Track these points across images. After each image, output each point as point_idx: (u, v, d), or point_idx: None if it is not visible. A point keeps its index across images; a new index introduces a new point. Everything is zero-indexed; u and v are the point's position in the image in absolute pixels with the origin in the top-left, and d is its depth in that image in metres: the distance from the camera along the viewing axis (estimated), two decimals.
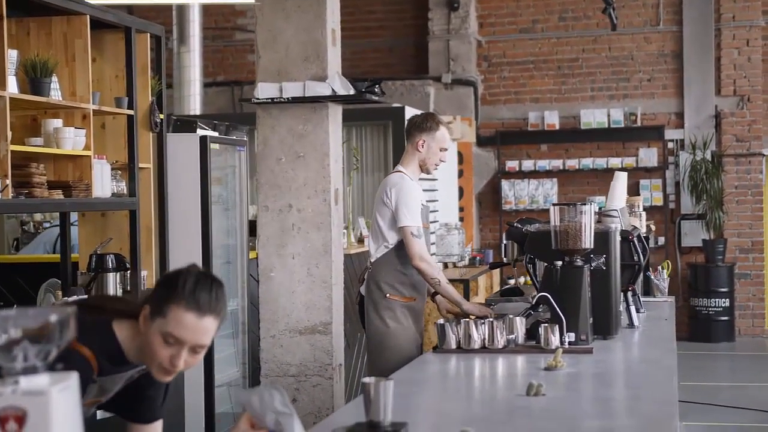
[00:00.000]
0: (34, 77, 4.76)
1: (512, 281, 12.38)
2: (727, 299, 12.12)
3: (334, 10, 5.85)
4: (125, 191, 5.51)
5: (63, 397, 1.75)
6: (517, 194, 12.81)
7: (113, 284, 5.38)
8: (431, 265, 5.08)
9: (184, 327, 2.51)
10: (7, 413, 1.71)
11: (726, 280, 12.15)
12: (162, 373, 2.59)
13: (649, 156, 12.51)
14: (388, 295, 5.14)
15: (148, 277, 5.79)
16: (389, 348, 5.12)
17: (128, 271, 5.52)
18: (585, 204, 4.39)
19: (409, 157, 5.28)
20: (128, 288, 5.54)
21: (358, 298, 5.46)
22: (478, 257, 10.98)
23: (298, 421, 2.53)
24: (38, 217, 8.84)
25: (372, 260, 5.26)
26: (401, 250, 5.13)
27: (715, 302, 12.10)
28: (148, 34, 5.82)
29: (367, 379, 2.73)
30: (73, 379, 1.79)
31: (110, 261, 5.38)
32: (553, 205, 4.44)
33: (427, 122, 5.26)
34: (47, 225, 8.76)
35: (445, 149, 5.29)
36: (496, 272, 11.22)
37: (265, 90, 5.67)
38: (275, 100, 5.63)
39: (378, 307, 5.16)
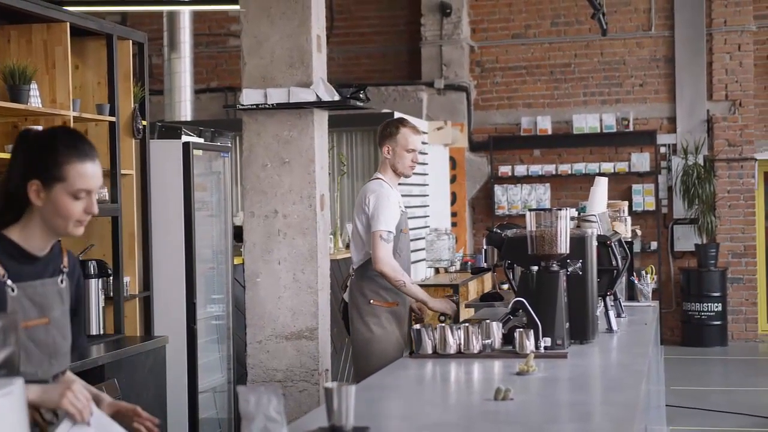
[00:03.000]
0: (12, 84, 4.78)
1: (506, 286, 12.39)
2: (720, 304, 12.13)
3: (319, 16, 5.87)
4: (107, 198, 5.53)
5: (5, 402, 1.77)
6: (510, 199, 12.83)
7: (95, 290, 5.39)
8: (394, 268, 5.15)
9: (88, 177, 2.67)
10: None
11: (718, 284, 12.16)
12: (78, 226, 2.70)
13: (641, 161, 12.52)
14: (372, 301, 5.21)
15: (131, 283, 5.81)
16: (374, 353, 5.16)
17: (110, 278, 5.53)
18: (561, 209, 4.40)
19: (383, 164, 5.40)
20: (111, 294, 5.56)
21: (341, 305, 5.48)
22: (470, 262, 10.99)
23: (285, 431, 2.55)
24: None
25: (354, 267, 5.33)
26: None
27: (708, 307, 12.11)
28: (131, 41, 5.84)
29: (328, 384, 2.75)
30: (17, 385, 1.81)
31: (92, 267, 5.39)
32: (530, 210, 4.46)
33: (387, 128, 5.39)
34: None
35: (413, 150, 5.36)
36: (488, 277, 11.24)
37: (250, 96, 5.69)
38: (260, 106, 5.65)
39: (362, 314, 5.21)
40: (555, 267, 4.38)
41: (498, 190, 12.83)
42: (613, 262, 4.98)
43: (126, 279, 5.70)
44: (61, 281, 2.78)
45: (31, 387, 2.50)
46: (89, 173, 2.67)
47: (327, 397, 2.75)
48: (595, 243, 4.66)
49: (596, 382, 3.90)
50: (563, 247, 4.36)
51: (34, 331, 2.64)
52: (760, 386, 10.10)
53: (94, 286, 5.40)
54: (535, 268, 4.37)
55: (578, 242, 4.51)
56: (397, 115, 9.94)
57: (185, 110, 10.52)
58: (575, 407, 3.30)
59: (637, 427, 2.94)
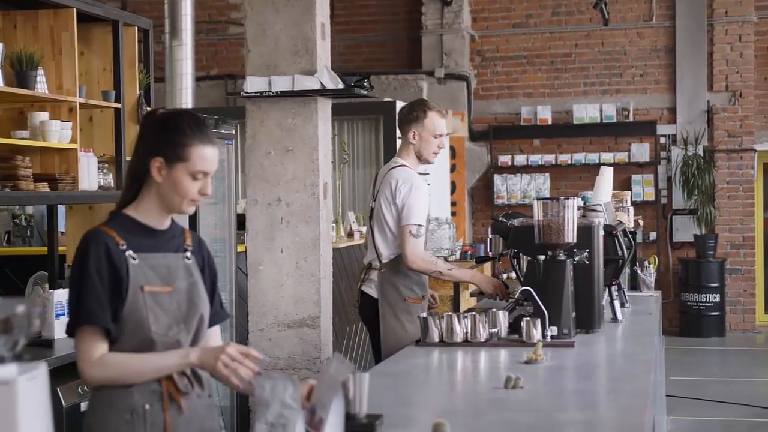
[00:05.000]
0: (20, 70, 4.77)
1: (504, 275, 12.40)
2: (718, 294, 12.16)
3: (324, 4, 5.86)
4: (112, 184, 5.53)
5: (31, 386, 1.76)
6: (509, 189, 12.84)
7: None
8: (426, 261, 4.94)
9: (208, 160, 2.82)
10: None
11: (717, 275, 12.19)
12: (191, 205, 2.85)
13: (641, 151, 12.53)
14: (407, 298, 5.03)
15: None
16: None
17: None
18: (568, 199, 4.40)
19: (406, 150, 5.18)
20: None
21: (358, 300, 5.26)
22: (469, 252, 11.00)
23: (301, 418, 2.56)
24: (30, 209, 8.85)
25: (383, 260, 5.09)
26: None
27: (706, 297, 12.14)
28: (136, 28, 5.83)
29: None
30: (41, 370, 1.81)
31: None
32: (537, 199, 4.45)
33: (413, 112, 5.15)
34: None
35: (440, 135, 5.15)
36: (488, 266, 11.25)
37: (254, 84, 5.68)
38: (264, 93, 5.64)
39: (396, 311, 5.03)
40: (562, 256, 4.38)
41: (498, 179, 12.83)
42: (619, 252, 4.98)
43: None
44: (187, 258, 2.91)
45: (193, 350, 2.78)
46: (209, 156, 2.82)
47: (341, 384, 2.74)
48: (601, 232, 4.66)
49: (605, 371, 3.91)
50: (570, 236, 4.37)
51: (158, 297, 2.81)
52: (758, 377, 10.14)
53: None
54: (542, 257, 4.38)
55: (585, 232, 4.51)
56: (400, 105, 9.94)
57: (186, 98, 10.44)
58: (586, 396, 3.32)
59: (648, 416, 2.95)
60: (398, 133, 9.85)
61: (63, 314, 4.81)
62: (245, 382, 2.70)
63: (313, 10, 5.71)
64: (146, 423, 2.78)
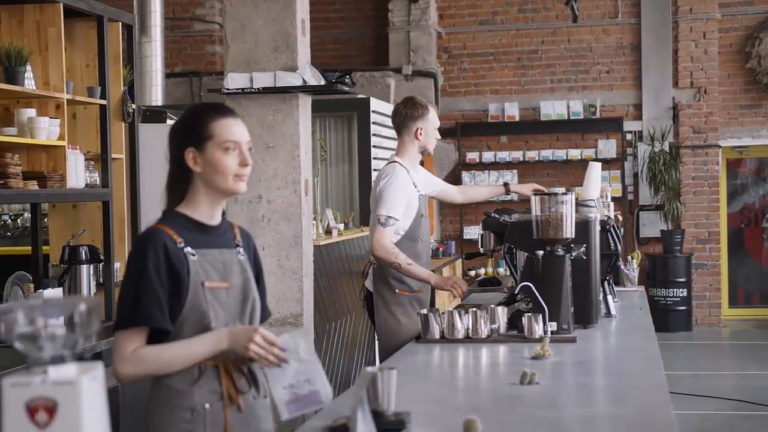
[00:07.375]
0: (8, 66, 4.68)
1: (472, 272, 12.43)
2: (685, 289, 12.27)
3: (303, 0, 5.84)
4: (98, 182, 5.45)
5: (92, 386, 1.73)
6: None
7: (86, 276, 5.31)
8: (388, 251, 4.95)
9: (232, 129, 2.83)
10: (37, 404, 1.69)
11: (683, 270, 12.30)
12: (238, 181, 2.83)
13: (608, 147, 12.61)
14: (397, 290, 5.08)
15: (122, 268, 5.72)
16: (403, 342, 5.01)
17: (101, 263, 5.46)
18: (566, 194, 4.41)
19: (407, 147, 5.22)
20: (101, 280, 5.48)
21: (362, 294, 5.31)
22: (440, 249, 11.03)
23: (321, 370, 2.55)
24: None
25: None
26: (406, 242, 5.05)
27: (673, 292, 12.24)
28: (120, 24, 5.75)
29: (370, 369, 2.72)
30: (99, 369, 1.77)
31: (83, 253, 5.31)
32: (535, 194, 4.45)
33: (417, 110, 5.21)
34: (6, 217, 8.63)
35: (437, 127, 5.31)
36: (459, 263, 11.28)
37: (235, 80, 5.64)
38: (245, 90, 5.60)
39: (388, 304, 5.09)
40: (560, 251, 4.39)
41: (466, 176, 12.85)
42: (612, 246, 5.00)
43: (117, 264, 5.62)
44: (240, 253, 2.90)
45: (223, 335, 2.73)
46: (233, 126, 2.83)
47: (369, 380, 2.72)
48: (598, 227, 4.67)
49: (614, 366, 3.88)
50: (569, 231, 4.37)
51: (217, 293, 2.80)
52: (727, 370, 10.25)
53: (86, 272, 5.32)
54: (541, 252, 4.37)
55: (582, 226, 4.52)
56: (374, 102, 9.93)
57: (156, 95, 10.37)
58: (602, 391, 3.32)
59: (671, 408, 2.95)
60: (371, 131, 9.80)
61: None
62: (275, 364, 2.71)
63: (294, 6, 5.69)
64: (206, 423, 2.75)
